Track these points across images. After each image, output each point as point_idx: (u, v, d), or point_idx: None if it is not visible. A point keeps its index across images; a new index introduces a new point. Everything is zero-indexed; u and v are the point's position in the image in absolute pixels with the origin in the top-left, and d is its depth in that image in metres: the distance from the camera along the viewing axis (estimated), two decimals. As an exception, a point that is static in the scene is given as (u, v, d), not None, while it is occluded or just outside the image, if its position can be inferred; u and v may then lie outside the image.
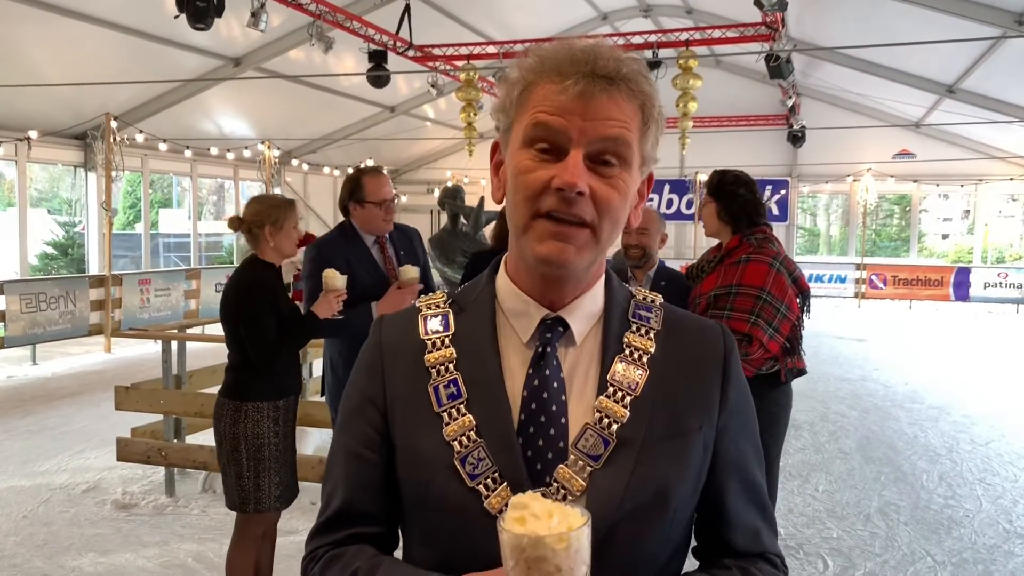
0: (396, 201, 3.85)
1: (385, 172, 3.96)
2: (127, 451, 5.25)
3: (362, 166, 4.27)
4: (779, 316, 3.42)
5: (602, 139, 1.02)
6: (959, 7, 9.78)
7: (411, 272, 3.69)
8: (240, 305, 3.33)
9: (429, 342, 1.14)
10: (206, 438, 5.61)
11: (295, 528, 4.59)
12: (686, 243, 19.73)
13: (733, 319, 3.37)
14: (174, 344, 5.50)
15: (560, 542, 0.87)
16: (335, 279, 3.51)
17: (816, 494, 5.51)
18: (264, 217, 3.38)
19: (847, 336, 12.90)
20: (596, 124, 1.02)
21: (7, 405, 7.93)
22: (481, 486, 1.05)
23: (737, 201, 3.58)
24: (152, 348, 10.55)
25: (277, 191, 16.42)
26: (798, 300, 3.61)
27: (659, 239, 3.81)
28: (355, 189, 3.80)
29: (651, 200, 20.08)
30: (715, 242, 3.88)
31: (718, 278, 3.55)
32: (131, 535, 4.70)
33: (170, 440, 5.39)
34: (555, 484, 1.05)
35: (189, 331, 6.27)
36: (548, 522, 0.89)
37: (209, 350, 6.48)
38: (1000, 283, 17.11)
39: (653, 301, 1.20)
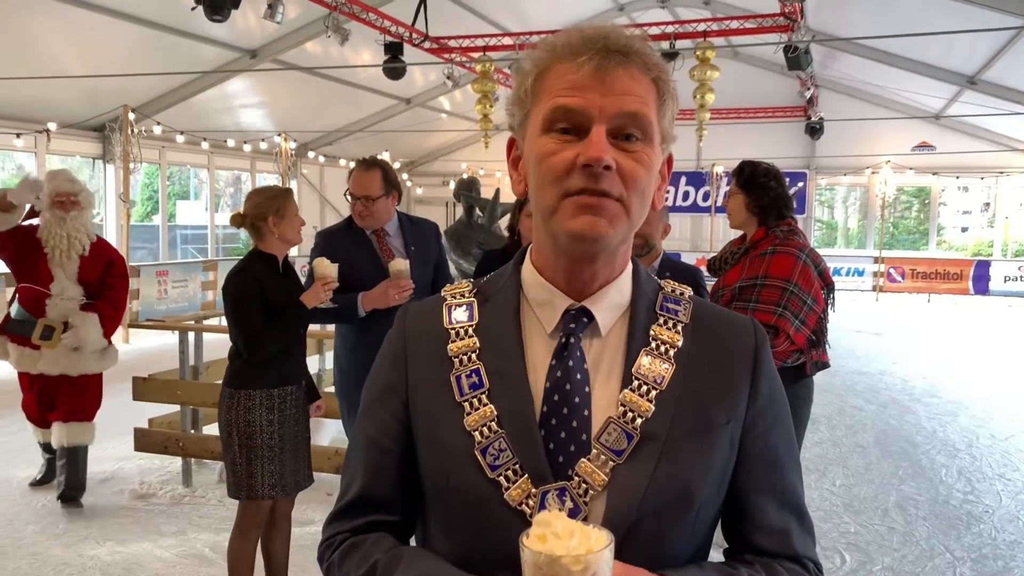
0: (369, 201, 3.74)
1: (377, 164, 3.85)
2: (144, 441, 5.29)
3: (377, 157, 4.25)
4: (805, 308, 3.39)
5: (622, 114, 1.01)
6: (981, -3, 9.66)
7: (399, 265, 3.62)
8: (226, 294, 3.38)
9: (453, 331, 1.14)
10: (223, 429, 5.65)
11: (311, 519, 4.61)
12: (702, 235, 19.64)
13: (759, 311, 3.34)
14: (191, 335, 5.53)
15: (576, 564, 0.86)
16: (325, 267, 3.47)
17: (834, 488, 5.48)
18: (266, 208, 3.40)
19: (865, 330, 12.82)
20: (615, 99, 1.01)
21: (13, 396, 7.97)
22: (502, 477, 1.04)
23: (768, 194, 3.55)
24: (169, 339, 10.56)
25: (293, 183, 16.47)
26: (823, 293, 3.58)
27: (662, 229, 3.70)
28: (349, 180, 3.85)
29: (667, 192, 19.98)
30: (733, 234, 3.85)
31: (743, 270, 3.51)
32: (149, 525, 4.73)
33: (187, 430, 5.42)
34: (576, 478, 1.03)
35: (206, 322, 6.28)
36: (568, 542, 0.87)
37: (226, 341, 6.48)
38: (1021, 277, 16.94)
39: (682, 294, 1.17)
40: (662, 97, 1.05)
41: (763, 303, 3.37)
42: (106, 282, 5.02)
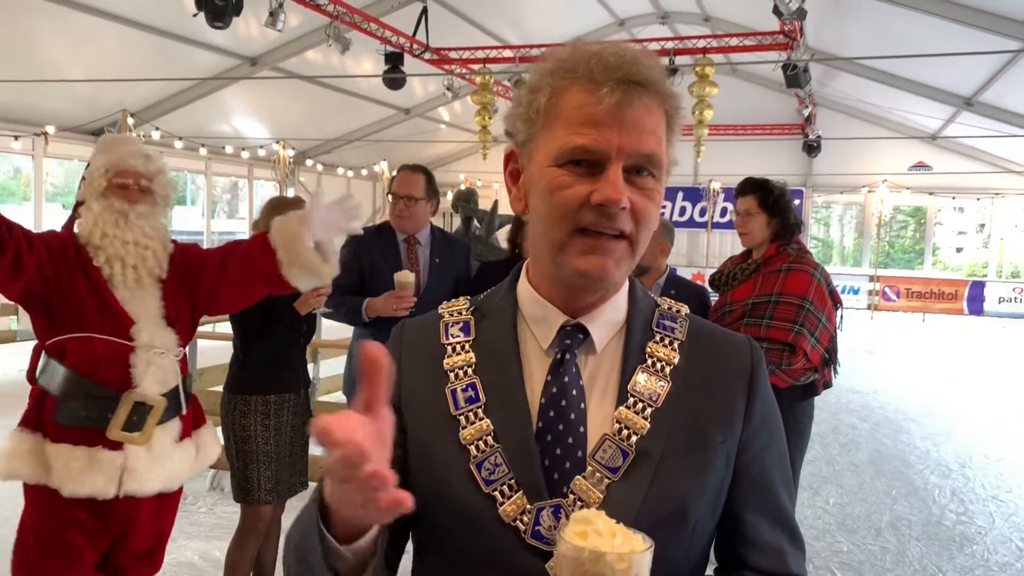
0: (411, 200, 3.77)
1: (422, 169, 3.88)
2: (136, 447, 5.25)
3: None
4: (820, 326, 3.40)
5: (639, 155, 1.01)
6: (978, 19, 9.72)
7: (404, 277, 3.59)
8: None
9: (449, 347, 1.13)
10: (215, 436, 5.63)
11: (302, 528, 4.58)
12: (699, 251, 19.67)
13: (774, 327, 3.34)
14: (185, 341, 5.50)
15: (621, 562, 0.85)
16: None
17: (827, 507, 5.46)
18: (261, 219, 3.53)
19: (860, 348, 12.83)
20: (633, 138, 1.00)
21: (19, 399, 7.91)
22: (496, 492, 1.03)
23: (792, 215, 3.57)
24: (163, 345, 10.57)
25: (291, 191, 16.47)
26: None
27: (659, 250, 3.67)
28: (391, 183, 3.87)
29: (663, 209, 20.11)
30: (730, 250, 3.85)
31: (755, 286, 3.50)
32: (138, 531, 4.70)
33: (179, 437, 5.39)
34: (572, 495, 1.03)
35: (200, 329, 6.26)
36: (611, 540, 0.87)
37: (220, 348, 6.47)
38: (1015, 298, 16.99)
39: (679, 311, 1.17)
40: (671, 127, 1.05)
41: (779, 320, 3.36)
42: (217, 273, 2.82)
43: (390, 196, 3.84)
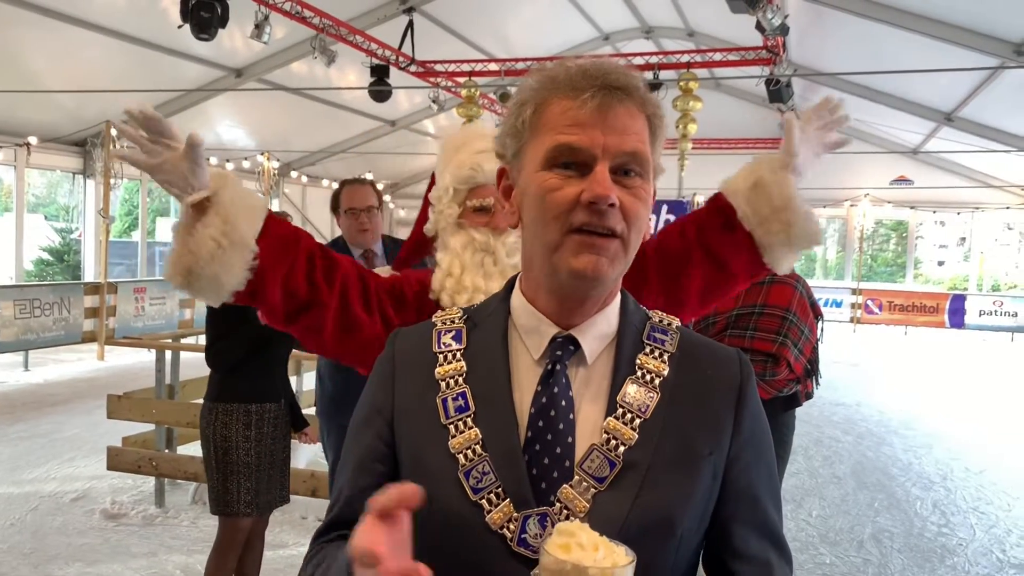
0: (372, 211, 3.76)
1: (368, 181, 3.90)
2: (117, 460, 5.22)
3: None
4: (803, 338, 3.44)
5: (624, 153, 1.04)
6: (959, 36, 9.84)
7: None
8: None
9: (441, 355, 1.15)
10: (197, 449, 5.57)
11: (284, 542, 4.55)
12: (683, 264, 19.73)
13: (758, 339, 3.38)
14: (168, 353, 5.48)
15: None
16: None
17: (810, 519, 5.48)
18: None
19: (842, 360, 12.90)
20: (616, 138, 1.03)
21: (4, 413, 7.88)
22: (484, 500, 1.04)
23: None
24: (145, 357, 10.50)
25: (276, 203, 16.44)
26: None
27: None
28: (336, 200, 3.84)
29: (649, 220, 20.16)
30: None
31: (738, 299, 3.54)
32: (119, 545, 4.66)
33: (161, 450, 5.36)
34: (558, 504, 1.04)
35: (183, 340, 6.23)
36: (594, 554, 0.87)
37: (203, 360, 6.44)
38: (995, 311, 17.14)
39: (670, 324, 1.19)
40: (655, 133, 1.08)
41: (762, 331, 3.40)
42: None
43: (345, 212, 3.79)
